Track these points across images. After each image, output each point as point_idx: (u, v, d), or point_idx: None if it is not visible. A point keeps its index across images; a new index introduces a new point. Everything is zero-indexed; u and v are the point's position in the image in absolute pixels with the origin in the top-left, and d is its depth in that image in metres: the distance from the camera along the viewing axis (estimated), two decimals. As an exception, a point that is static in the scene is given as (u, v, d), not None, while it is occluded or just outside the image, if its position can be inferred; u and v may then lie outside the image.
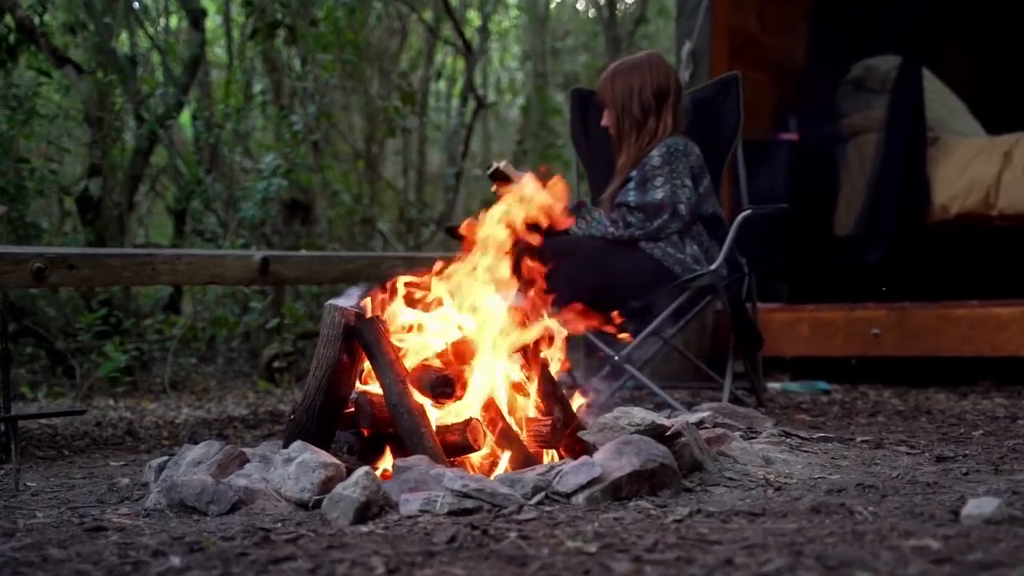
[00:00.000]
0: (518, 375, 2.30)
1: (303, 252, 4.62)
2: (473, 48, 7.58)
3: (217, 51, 8.06)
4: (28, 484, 2.39)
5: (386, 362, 2.15)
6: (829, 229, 5.18)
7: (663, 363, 4.30)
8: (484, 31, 8.08)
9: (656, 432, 2.08)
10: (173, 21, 7.36)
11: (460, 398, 2.21)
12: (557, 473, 1.94)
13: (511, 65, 10.96)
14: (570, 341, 2.50)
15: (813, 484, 2.03)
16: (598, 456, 1.97)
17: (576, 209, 3.37)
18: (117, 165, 5.15)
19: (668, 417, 2.36)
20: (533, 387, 2.31)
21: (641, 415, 2.10)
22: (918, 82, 4.95)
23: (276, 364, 4.81)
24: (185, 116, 6.80)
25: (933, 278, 4.82)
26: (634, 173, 3.34)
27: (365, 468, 1.87)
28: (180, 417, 3.76)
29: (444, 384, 2.19)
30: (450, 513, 1.79)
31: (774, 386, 4.29)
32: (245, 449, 2.29)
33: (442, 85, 8.79)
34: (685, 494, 1.96)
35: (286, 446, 2.12)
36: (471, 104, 7.68)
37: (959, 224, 4.84)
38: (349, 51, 5.90)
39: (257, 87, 6.29)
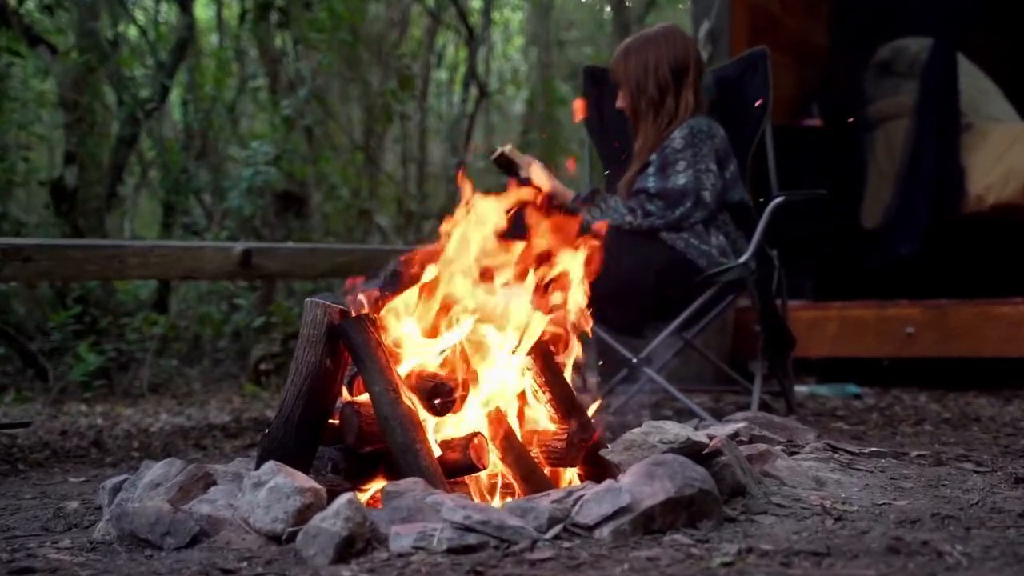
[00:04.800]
0: (528, 381, 1.99)
1: (289, 244, 4.30)
2: (476, 33, 7.27)
3: (214, 41, 7.77)
4: (-33, 506, 2.09)
5: (376, 367, 1.83)
6: (856, 222, 4.86)
7: (680, 364, 3.98)
8: (487, 16, 7.76)
9: (692, 450, 1.77)
10: (165, 8, 7.06)
11: (461, 409, 1.91)
12: (577, 500, 1.63)
13: (515, 57, 10.65)
14: (582, 341, 2.19)
15: (878, 513, 1.72)
16: (625, 480, 1.66)
17: (590, 197, 3.06)
18: (96, 153, 4.82)
19: (696, 428, 2.05)
20: (545, 395, 2.00)
21: (675, 430, 1.79)
22: (951, 64, 4.64)
23: (263, 366, 4.50)
24: (178, 110, 6.50)
25: (968, 274, 4.51)
26: (653, 157, 3.03)
27: (348, 496, 1.56)
28: (156, 425, 3.45)
29: (443, 392, 1.88)
30: (449, 551, 1.48)
31: (801, 389, 3.98)
32: (216, 467, 1.99)
33: (444, 75, 8.48)
34: (728, 525, 1.66)
35: (259, 465, 1.81)
36: (473, 92, 7.37)
37: (996, 215, 4.54)
38: (345, 31, 5.57)
39: (249, 69, 5.96)
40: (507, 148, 3.07)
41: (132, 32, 5.98)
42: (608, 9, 8.55)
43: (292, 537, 1.58)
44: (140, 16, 6.14)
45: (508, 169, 3.03)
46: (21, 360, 4.51)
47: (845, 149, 4.93)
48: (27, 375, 4.46)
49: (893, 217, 4.69)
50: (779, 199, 3.03)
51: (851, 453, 2.20)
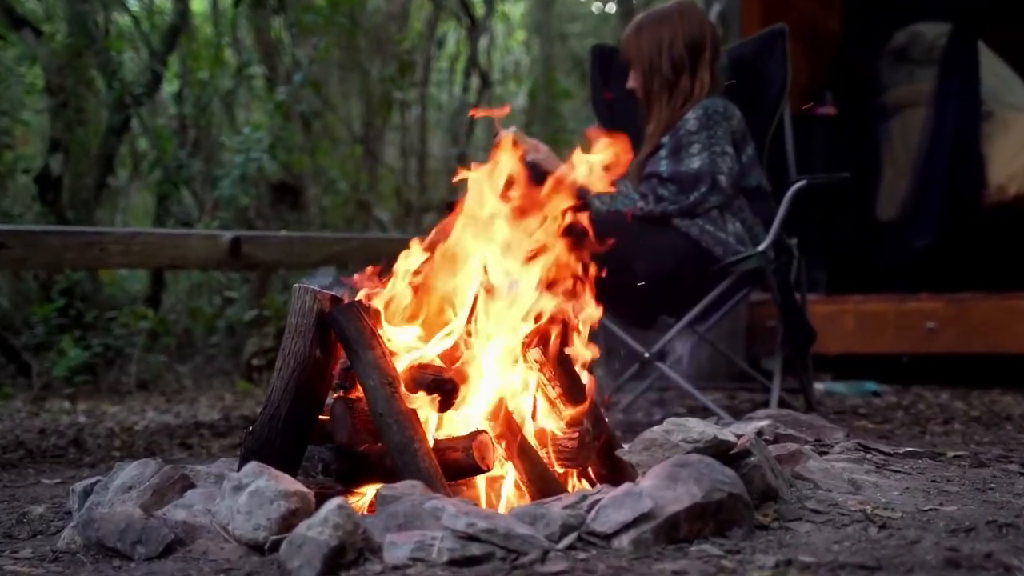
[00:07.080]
0: (535, 376, 1.83)
1: (282, 232, 4.12)
2: (477, 21, 7.10)
3: (210, 33, 7.61)
4: (-72, 510, 1.92)
5: (370, 359, 1.67)
6: (870, 214, 4.70)
7: (691, 360, 3.81)
8: (489, 4, 7.59)
9: (718, 450, 1.61)
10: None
11: (463, 405, 1.75)
12: (592, 506, 1.47)
13: (516, 51, 10.48)
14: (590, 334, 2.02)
15: (926, 520, 1.56)
16: (645, 483, 1.50)
17: (598, 182, 2.89)
18: (85, 142, 4.64)
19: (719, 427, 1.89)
20: (555, 390, 1.83)
21: (699, 428, 1.63)
22: (971, 50, 4.48)
23: (255, 362, 4.32)
24: (173, 102, 6.34)
25: (989, 267, 4.34)
26: (666, 139, 2.87)
27: (338, 501, 1.40)
28: (141, 423, 3.29)
29: (443, 387, 1.71)
30: (451, 562, 1.33)
31: (817, 387, 3.81)
32: (197, 467, 1.83)
33: (444, 64, 8.31)
34: (761, 534, 1.49)
35: (242, 466, 1.65)
36: (475, 83, 7.20)
37: (1018, 206, 4.37)
38: (343, 16, 5.39)
39: (245, 60, 5.79)
40: (512, 130, 2.89)
41: (125, 22, 5.82)
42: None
43: (276, 546, 1.43)
44: (133, 4, 5.97)
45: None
46: (3, 355, 4.34)
47: (860, 138, 4.76)
48: (9, 371, 4.28)
49: (910, 209, 4.53)
50: (800, 183, 2.87)
51: (885, 454, 2.04)
